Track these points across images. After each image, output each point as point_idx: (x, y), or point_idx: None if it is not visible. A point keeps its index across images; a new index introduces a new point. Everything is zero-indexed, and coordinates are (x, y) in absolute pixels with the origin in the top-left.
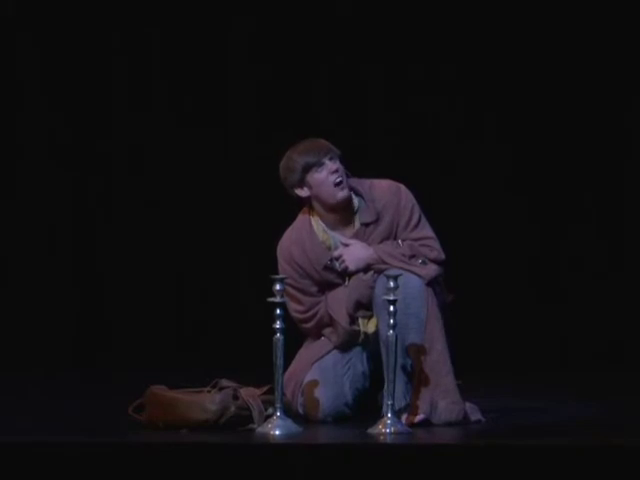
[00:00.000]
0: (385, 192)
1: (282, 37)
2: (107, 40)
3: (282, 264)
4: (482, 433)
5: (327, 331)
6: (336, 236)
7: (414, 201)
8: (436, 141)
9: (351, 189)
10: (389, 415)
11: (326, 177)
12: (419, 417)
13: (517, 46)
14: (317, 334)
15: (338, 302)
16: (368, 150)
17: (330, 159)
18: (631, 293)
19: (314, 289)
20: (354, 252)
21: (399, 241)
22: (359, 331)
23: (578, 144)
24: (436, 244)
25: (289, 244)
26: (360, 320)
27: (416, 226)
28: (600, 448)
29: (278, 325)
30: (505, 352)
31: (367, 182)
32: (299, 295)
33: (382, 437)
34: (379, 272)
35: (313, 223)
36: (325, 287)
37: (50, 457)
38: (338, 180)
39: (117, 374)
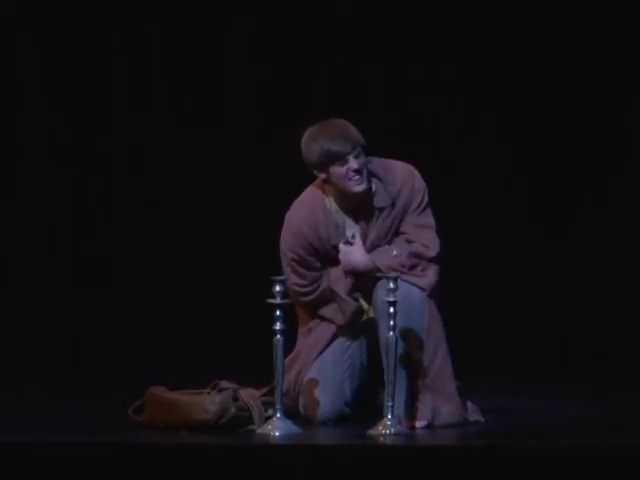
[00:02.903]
0: (400, 173)
1: (282, 37)
2: (107, 40)
3: (288, 238)
4: (481, 434)
5: (330, 312)
6: (346, 219)
7: (424, 185)
8: (436, 141)
9: (369, 174)
10: (389, 416)
11: (346, 173)
12: (421, 423)
13: (517, 46)
14: (313, 307)
15: (342, 278)
16: (368, 150)
17: (355, 156)
18: (631, 293)
19: (318, 264)
20: (351, 256)
21: (394, 251)
22: (363, 309)
23: (578, 144)
24: (434, 235)
25: (299, 220)
26: (362, 300)
27: (423, 210)
28: (600, 449)
29: (278, 326)
30: (505, 352)
31: (383, 163)
32: (302, 269)
33: (382, 438)
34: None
35: (327, 202)
36: (328, 263)
37: (50, 457)
38: (358, 179)
39: (117, 374)
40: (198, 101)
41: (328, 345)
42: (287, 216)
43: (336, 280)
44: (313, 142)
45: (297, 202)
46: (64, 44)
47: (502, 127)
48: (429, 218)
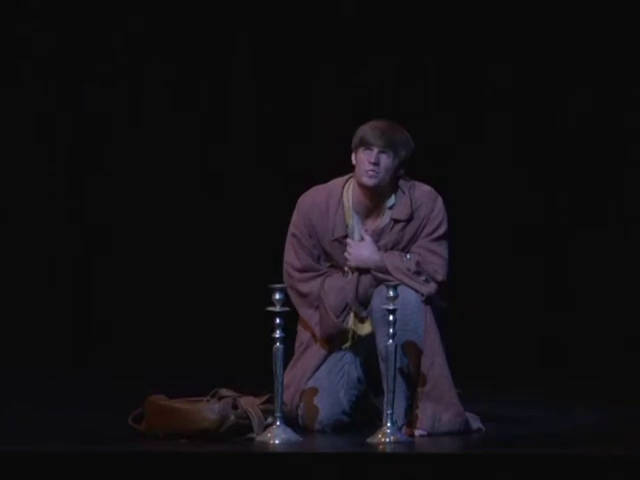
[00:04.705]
0: (424, 194)
1: (282, 37)
2: (107, 41)
3: (296, 215)
4: (482, 442)
5: (313, 322)
6: (358, 222)
7: (446, 216)
8: (436, 141)
9: (393, 187)
10: (389, 424)
11: (363, 161)
12: (420, 432)
13: (517, 46)
14: (299, 297)
15: (335, 290)
16: None
17: (381, 152)
18: (631, 293)
19: (315, 252)
20: (362, 250)
21: (407, 256)
22: (346, 330)
23: (578, 144)
24: (444, 265)
25: (311, 204)
26: (352, 320)
27: (437, 239)
28: (601, 456)
29: (278, 334)
30: (505, 353)
31: (412, 182)
32: (300, 250)
33: (382, 446)
34: (379, 281)
35: (344, 198)
36: (326, 258)
37: (50, 467)
38: (370, 172)
39: (117, 374)
40: (198, 105)
41: (322, 362)
42: (301, 197)
43: (329, 290)
44: (362, 126)
45: (316, 187)
46: (64, 44)
47: (502, 127)
48: (444, 249)
